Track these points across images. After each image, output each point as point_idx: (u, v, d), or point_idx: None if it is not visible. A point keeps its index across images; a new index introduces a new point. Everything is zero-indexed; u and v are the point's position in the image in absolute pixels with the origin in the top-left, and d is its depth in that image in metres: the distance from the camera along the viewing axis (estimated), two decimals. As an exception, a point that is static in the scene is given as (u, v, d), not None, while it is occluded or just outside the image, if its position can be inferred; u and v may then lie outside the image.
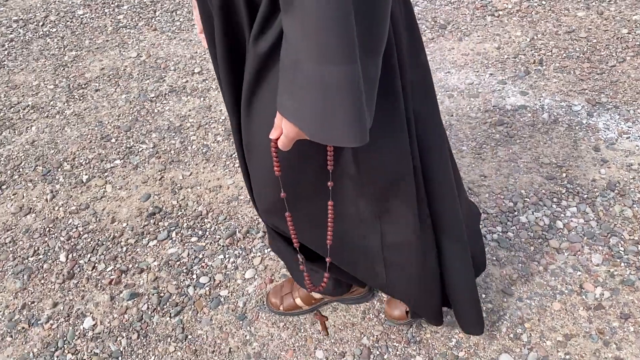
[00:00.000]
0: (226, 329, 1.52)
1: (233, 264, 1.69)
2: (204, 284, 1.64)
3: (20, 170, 2.10)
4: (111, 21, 3.07)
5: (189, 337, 1.51)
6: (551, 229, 1.72)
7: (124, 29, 2.98)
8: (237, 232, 1.78)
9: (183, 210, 1.87)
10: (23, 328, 1.57)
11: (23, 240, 1.83)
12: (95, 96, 2.48)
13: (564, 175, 1.89)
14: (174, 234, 1.80)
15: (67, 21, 3.09)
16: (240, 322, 1.54)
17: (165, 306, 1.59)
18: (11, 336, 1.55)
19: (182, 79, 2.54)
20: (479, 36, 2.68)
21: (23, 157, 2.17)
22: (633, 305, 1.49)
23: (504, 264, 1.63)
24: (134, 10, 3.13)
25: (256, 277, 1.66)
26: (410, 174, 1.01)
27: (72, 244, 1.80)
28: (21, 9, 3.26)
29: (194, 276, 1.66)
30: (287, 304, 1.51)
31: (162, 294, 1.61)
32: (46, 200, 1.97)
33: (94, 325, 1.56)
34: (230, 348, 1.47)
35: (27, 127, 2.32)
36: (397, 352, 1.44)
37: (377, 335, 1.48)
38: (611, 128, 2.06)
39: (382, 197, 1.04)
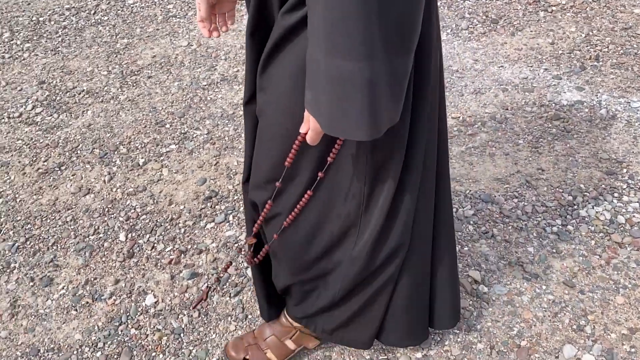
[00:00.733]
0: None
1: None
2: (263, 266, 1.67)
3: (78, 152, 2.18)
4: (161, 10, 3.14)
5: (249, 316, 1.55)
6: (612, 223, 1.71)
7: (173, 18, 3.05)
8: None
9: (239, 194, 1.92)
10: (87, 302, 1.63)
11: (83, 219, 1.89)
12: (148, 83, 2.55)
13: (625, 171, 1.88)
14: (230, 217, 1.84)
15: (118, 10, 3.17)
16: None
17: (225, 286, 1.63)
18: (76, 310, 1.61)
19: (233, 68, 2.60)
20: (531, 31, 2.67)
21: (80, 139, 2.24)
22: (702, 301, 1.48)
23: (564, 257, 1.63)
24: (183, 0, 3.20)
25: (313, 261, 1.69)
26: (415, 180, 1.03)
27: (130, 224, 1.86)
28: (73, -3, 3.36)
29: (253, 258, 1.70)
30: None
31: (221, 275, 1.65)
32: (104, 181, 2.03)
33: (155, 303, 1.61)
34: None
35: (83, 111, 2.40)
36: (458, 339, 1.45)
37: (437, 322, 1.49)
38: (673, 125, 2.04)
39: (371, 194, 1.02)
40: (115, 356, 1.47)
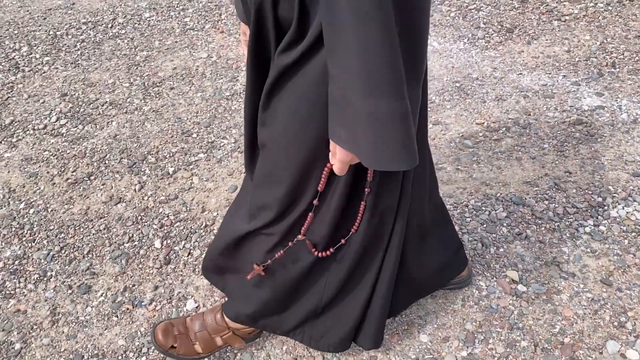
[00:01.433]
0: (326, 313, 1.58)
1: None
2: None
3: (106, 162, 2.21)
4: (178, 23, 3.20)
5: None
6: (644, 223, 1.75)
7: (191, 31, 3.10)
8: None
9: (272, 200, 1.95)
10: (127, 309, 1.65)
11: (117, 227, 1.92)
12: (171, 94, 2.59)
13: (651, 172, 1.93)
14: (265, 223, 1.87)
15: (135, 23, 3.22)
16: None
17: (265, 290, 1.65)
18: (117, 316, 1.63)
19: (254, 78, 2.64)
20: (547, 40, 2.74)
21: (107, 150, 2.27)
22: None
23: (599, 256, 1.67)
24: (199, 14, 3.26)
25: (350, 265, 1.72)
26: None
27: (165, 231, 1.89)
28: (88, 11, 3.41)
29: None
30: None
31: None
32: (135, 190, 2.06)
33: (197, 307, 1.63)
34: (333, 331, 1.53)
35: (108, 122, 2.44)
36: (502, 338, 1.48)
37: (479, 321, 1.52)
38: (696, 127, 2.09)
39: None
40: (162, 360, 1.49)
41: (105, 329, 1.59)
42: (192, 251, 1.80)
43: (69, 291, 1.71)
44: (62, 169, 2.19)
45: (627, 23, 2.81)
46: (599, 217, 1.78)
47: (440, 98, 2.41)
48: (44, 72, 2.83)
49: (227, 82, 2.63)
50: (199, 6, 3.33)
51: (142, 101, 2.55)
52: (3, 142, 2.36)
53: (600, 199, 1.84)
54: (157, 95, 2.59)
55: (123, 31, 3.15)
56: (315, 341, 1.34)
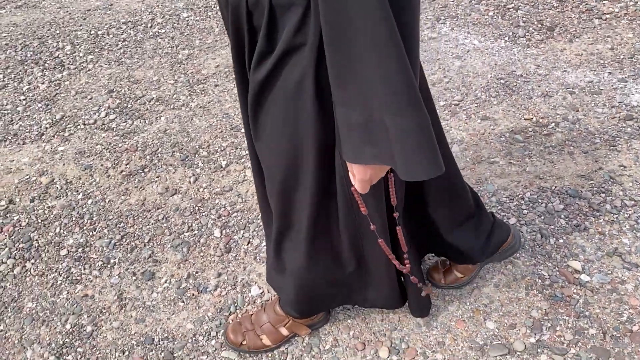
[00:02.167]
0: (391, 301, 1.62)
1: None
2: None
3: (159, 155, 2.27)
4: (216, 23, 3.26)
5: (356, 305, 1.61)
6: (703, 215, 1.78)
7: (231, 30, 3.17)
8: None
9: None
10: (193, 295, 1.69)
11: (175, 217, 1.97)
12: (216, 91, 2.65)
13: None
14: (322, 214, 1.91)
15: (174, 23, 3.30)
16: (403, 294, 1.63)
17: (328, 278, 1.69)
18: (183, 301, 1.68)
19: (298, 75, 2.70)
20: (589, 38, 2.77)
21: (158, 144, 2.33)
22: None
23: (660, 247, 1.69)
24: (238, 13, 3.33)
25: (410, 254, 1.75)
26: None
27: (223, 221, 1.93)
28: (127, 12, 3.49)
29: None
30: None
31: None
32: (189, 182, 2.11)
33: (261, 293, 1.67)
34: (399, 317, 1.57)
35: (156, 117, 2.50)
36: (569, 325, 1.51)
37: (545, 309, 1.55)
38: None
39: None
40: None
41: (173, 314, 1.64)
42: (251, 240, 1.85)
43: (133, 277, 1.76)
44: (116, 162, 2.25)
45: (669, 22, 2.83)
46: (657, 209, 1.81)
47: (486, 94, 2.45)
48: (89, 70, 2.90)
49: (272, 79, 2.69)
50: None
51: (189, 97, 2.61)
52: (56, 136, 2.42)
53: (656, 192, 1.87)
54: (203, 92, 2.64)
55: (163, 30, 3.23)
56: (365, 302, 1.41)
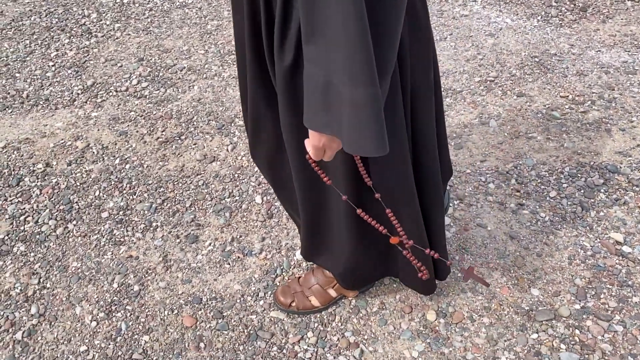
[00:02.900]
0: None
1: (426, 212, 1.84)
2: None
3: (195, 123, 2.30)
4: (244, -5, 3.28)
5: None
6: None
7: (259, 2, 3.18)
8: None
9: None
10: (238, 257, 1.74)
11: (215, 184, 2.01)
12: (248, 61, 2.67)
13: None
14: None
15: (200, -6, 3.31)
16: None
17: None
18: (228, 264, 1.72)
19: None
20: (622, 19, 2.80)
21: (193, 112, 2.36)
22: None
23: (700, 223, 1.74)
24: (266, -14, 3.34)
25: (452, 224, 1.80)
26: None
27: (263, 188, 1.97)
28: (151, -18, 3.50)
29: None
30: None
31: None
32: (227, 150, 2.15)
33: (306, 258, 1.72)
34: (445, 282, 1.62)
35: (189, 87, 2.52)
36: (613, 293, 1.56)
37: (588, 278, 1.60)
38: None
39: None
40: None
41: (219, 275, 1.69)
42: (293, 207, 1.89)
43: (177, 240, 1.81)
44: (151, 129, 2.28)
45: (702, 5, 2.86)
46: (697, 186, 1.85)
47: (520, 72, 2.48)
48: (117, 38, 2.92)
49: (304, 51, 2.71)
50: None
51: (220, 68, 2.64)
52: (88, 102, 2.45)
53: (695, 170, 1.91)
54: (234, 63, 2.67)
55: (190, 1, 3.24)
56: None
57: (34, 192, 2.01)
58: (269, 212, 1.88)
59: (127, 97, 2.47)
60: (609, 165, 1.95)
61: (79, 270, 1.73)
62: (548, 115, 2.21)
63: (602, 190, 1.87)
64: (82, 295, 1.66)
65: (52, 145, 2.22)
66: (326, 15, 0.80)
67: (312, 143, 0.96)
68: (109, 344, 1.53)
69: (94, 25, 3.04)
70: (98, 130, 2.29)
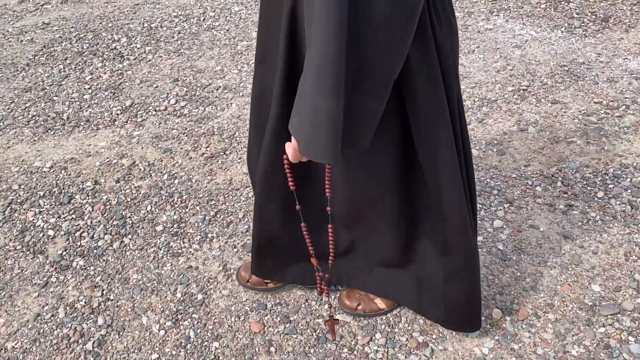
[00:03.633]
0: (493, 267, 1.72)
1: (478, 217, 1.90)
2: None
3: (237, 139, 2.37)
4: (269, 16, 3.38)
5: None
6: None
7: (286, 22, 3.29)
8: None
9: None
10: (297, 264, 1.78)
11: (264, 195, 2.06)
12: (282, 79, 2.76)
13: None
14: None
15: (226, 16, 3.41)
16: (505, 262, 1.73)
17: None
18: (288, 271, 1.76)
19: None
20: (645, 28, 2.90)
21: (234, 128, 2.43)
22: None
23: None
24: (290, 7, 3.45)
25: (504, 226, 1.86)
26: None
27: (313, 198, 2.03)
28: (176, 6, 3.61)
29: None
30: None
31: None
32: (272, 163, 2.21)
33: (365, 263, 1.76)
34: (505, 280, 1.66)
35: (227, 105, 2.60)
36: (673, 287, 1.61)
37: (647, 273, 1.65)
38: None
39: None
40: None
41: (280, 283, 1.73)
42: (345, 215, 1.94)
43: (234, 250, 1.85)
44: (195, 145, 2.35)
45: None
46: None
47: (552, 80, 2.56)
48: (150, 60, 3.01)
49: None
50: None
51: (255, 85, 2.72)
52: (129, 122, 2.53)
53: None
54: (269, 80, 2.75)
55: (217, 23, 3.34)
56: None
57: (86, 209, 2.06)
58: (322, 220, 1.93)
59: (167, 116, 2.54)
60: (652, 166, 2.01)
61: (140, 282, 1.78)
62: (585, 121, 2.28)
63: (649, 190, 1.93)
64: (146, 305, 1.70)
65: (98, 163, 2.28)
66: (313, 28, 0.87)
67: (293, 144, 1.02)
68: (180, 352, 1.56)
69: (125, 49, 3.13)
70: (142, 148, 2.35)
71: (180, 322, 1.64)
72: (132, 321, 1.66)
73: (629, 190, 1.93)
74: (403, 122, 1.15)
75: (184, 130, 2.44)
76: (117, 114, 2.58)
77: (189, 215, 2.00)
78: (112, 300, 1.73)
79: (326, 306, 1.65)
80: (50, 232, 1.97)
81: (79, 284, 1.78)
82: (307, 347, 1.55)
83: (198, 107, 2.59)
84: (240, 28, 3.27)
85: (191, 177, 2.18)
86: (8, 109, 2.66)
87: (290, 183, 1.17)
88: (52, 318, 1.68)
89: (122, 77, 2.87)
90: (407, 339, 1.54)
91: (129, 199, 2.10)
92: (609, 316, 1.54)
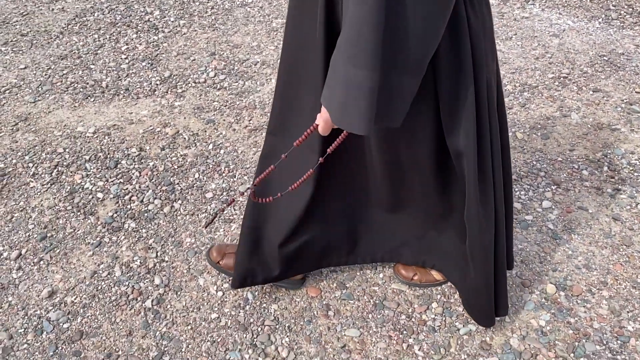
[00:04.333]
0: (544, 245, 1.77)
1: (526, 196, 1.95)
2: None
3: (280, 112, 2.40)
4: (303, -4, 3.41)
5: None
6: None
7: (321, 2, 3.32)
8: (518, 171, 2.05)
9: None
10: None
11: (311, 168, 2.10)
12: (320, 57, 2.79)
13: None
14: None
15: (260, -6, 3.44)
16: (555, 240, 1.78)
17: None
18: (341, 241, 1.81)
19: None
20: (682, 22, 2.96)
21: (276, 102, 2.46)
22: None
23: None
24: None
25: (553, 207, 1.91)
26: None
27: (361, 172, 2.07)
28: (208, -18, 3.63)
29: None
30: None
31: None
32: (317, 137, 2.25)
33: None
34: (557, 258, 1.71)
35: (267, 80, 2.63)
36: None
37: (697, 255, 1.71)
38: None
39: None
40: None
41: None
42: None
43: (286, 219, 1.89)
44: (238, 118, 2.38)
45: None
46: None
47: (592, 69, 2.61)
48: (185, 34, 3.04)
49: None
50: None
51: (294, 62, 2.75)
52: (169, 92, 2.56)
53: None
54: (307, 58, 2.78)
55: (250, 0, 3.37)
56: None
57: (133, 174, 2.10)
58: (371, 194, 1.97)
59: (207, 89, 2.58)
60: (697, 154, 2.07)
61: (194, 245, 1.82)
62: (628, 109, 2.33)
63: (695, 177, 1.98)
64: (202, 268, 1.74)
65: (141, 131, 2.32)
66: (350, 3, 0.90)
67: (324, 117, 1.05)
68: (239, 312, 1.61)
69: (159, 22, 3.15)
70: (184, 118, 2.39)
71: (237, 285, 1.68)
72: (189, 282, 1.70)
73: (676, 177, 1.98)
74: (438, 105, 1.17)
75: (225, 102, 2.48)
76: (157, 84, 2.61)
77: (237, 184, 2.04)
78: (167, 261, 1.76)
79: (381, 275, 1.70)
80: (100, 195, 2.00)
81: (132, 245, 1.82)
82: (364, 313, 1.59)
83: (237, 80, 2.63)
84: (274, 5, 3.29)
85: (236, 147, 2.22)
86: (45, 75, 2.68)
87: (297, 141, 1.12)
88: (108, 276, 1.71)
89: (159, 49, 2.90)
90: (463, 310, 1.59)
91: (175, 166, 2.13)
92: (662, 294, 1.60)
